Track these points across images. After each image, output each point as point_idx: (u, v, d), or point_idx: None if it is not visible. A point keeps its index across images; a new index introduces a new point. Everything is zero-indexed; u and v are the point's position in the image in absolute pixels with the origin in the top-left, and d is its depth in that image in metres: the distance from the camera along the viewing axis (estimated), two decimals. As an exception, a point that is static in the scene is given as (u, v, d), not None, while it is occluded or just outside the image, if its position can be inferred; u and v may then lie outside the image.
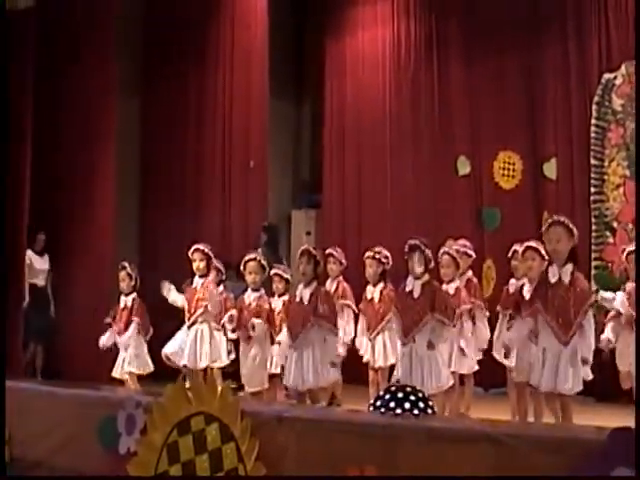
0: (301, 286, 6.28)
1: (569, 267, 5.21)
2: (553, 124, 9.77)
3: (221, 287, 7.94)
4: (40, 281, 9.10)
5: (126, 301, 7.55)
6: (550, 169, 9.72)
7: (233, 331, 6.99)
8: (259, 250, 8.81)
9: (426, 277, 5.97)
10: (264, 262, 6.90)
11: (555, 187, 9.68)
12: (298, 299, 6.25)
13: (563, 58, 9.71)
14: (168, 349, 7.40)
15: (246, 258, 6.90)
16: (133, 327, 7.40)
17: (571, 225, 5.28)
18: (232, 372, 7.25)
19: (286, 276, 7.11)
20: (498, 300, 6.97)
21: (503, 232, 9.55)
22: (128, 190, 11.10)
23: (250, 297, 6.85)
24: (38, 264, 9.14)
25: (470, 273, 7.36)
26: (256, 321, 6.66)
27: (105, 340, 7.57)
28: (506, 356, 6.10)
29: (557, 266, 5.24)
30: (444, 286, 6.79)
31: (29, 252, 8.98)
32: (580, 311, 5.12)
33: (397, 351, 6.58)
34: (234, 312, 6.92)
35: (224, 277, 8.10)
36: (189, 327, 7.42)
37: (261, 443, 3.92)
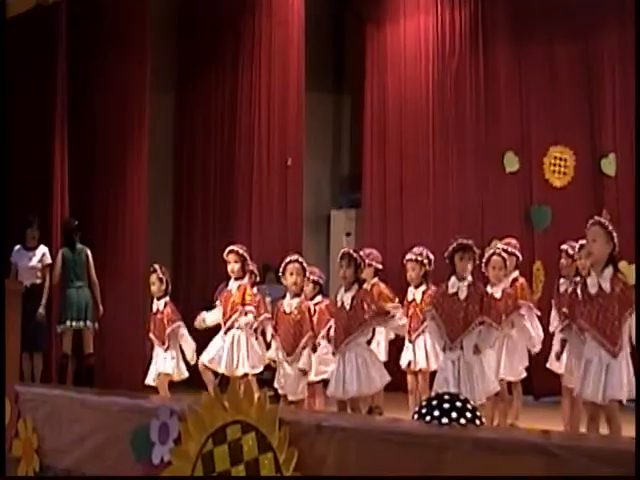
0: (342, 290, 6.31)
1: (608, 272, 5.18)
2: (611, 117, 9.67)
3: (255, 289, 8.01)
4: (27, 280, 8.70)
5: (158, 305, 7.62)
6: (608, 165, 9.64)
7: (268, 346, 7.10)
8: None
9: (470, 278, 6.00)
10: (305, 264, 6.94)
11: (614, 184, 9.59)
12: (339, 304, 6.29)
13: (620, 45, 9.62)
14: (205, 357, 7.45)
15: (287, 260, 6.92)
16: (176, 329, 7.48)
17: (610, 227, 5.25)
18: (269, 379, 7.30)
19: (312, 277, 7.16)
20: (547, 303, 6.97)
21: (554, 232, 9.50)
22: (162, 189, 11.26)
23: (292, 304, 6.86)
24: (25, 262, 8.89)
25: (516, 273, 7.36)
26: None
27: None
28: (557, 358, 6.10)
29: (595, 274, 5.22)
30: (489, 288, 6.81)
31: (15, 249, 8.90)
32: (623, 316, 5.10)
33: (438, 356, 6.62)
34: (271, 330, 6.95)
35: (258, 279, 8.16)
36: (225, 332, 7.48)
37: (300, 453, 3.95)
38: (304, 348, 6.71)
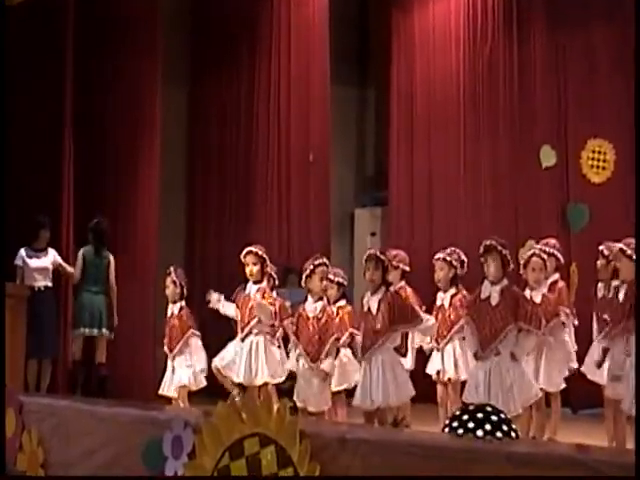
0: (368, 294, 6.34)
1: None
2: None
3: (274, 293, 8.04)
4: (38, 282, 8.89)
5: (173, 309, 7.68)
6: (653, 160, 9.57)
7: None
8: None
9: (504, 282, 5.97)
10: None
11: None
12: (365, 308, 6.31)
13: (664, 31, 9.57)
14: (219, 362, 7.47)
15: (316, 262, 6.96)
16: (189, 338, 7.51)
17: None
18: (290, 389, 7.32)
19: (337, 279, 7.18)
20: (582, 307, 6.96)
21: (591, 232, 9.45)
22: (174, 188, 11.32)
23: (316, 308, 6.89)
24: (34, 263, 8.95)
25: (557, 276, 7.35)
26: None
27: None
28: (598, 366, 6.08)
29: None
30: (529, 292, 6.80)
31: (22, 251, 8.96)
32: None
33: (468, 364, 6.62)
34: (295, 340, 6.97)
35: (277, 283, 8.18)
36: (242, 339, 7.50)
37: (322, 468, 3.96)
38: (328, 355, 6.74)
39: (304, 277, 6.96)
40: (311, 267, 6.90)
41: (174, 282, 7.70)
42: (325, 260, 7.01)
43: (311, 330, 6.78)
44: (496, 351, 5.85)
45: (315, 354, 6.74)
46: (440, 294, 7.48)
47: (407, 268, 8.01)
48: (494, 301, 5.92)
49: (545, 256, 7.05)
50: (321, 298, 6.91)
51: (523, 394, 5.89)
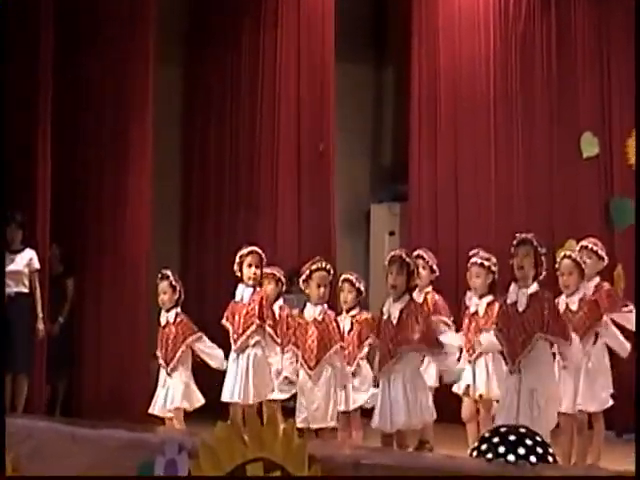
0: (390, 300, 6.36)
1: None
2: None
3: (280, 301, 8.06)
4: (10, 288, 8.82)
5: (167, 317, 7.65)
6: None
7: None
8: None
9: (535, 286, 5.98)
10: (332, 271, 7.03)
11: None
12: (385, 317, 6.32)
13: None
14: (227, 396, 7.49)
15: (313, 267, 6.96)
16: (194, 343, 7.51)
17: None
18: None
19: (359, 286, 7.18)
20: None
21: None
22: (168, 181, 11.32)
23: (316, 312, 6.91)
24: (7, 266, 8.85)
25: (598, 279, 7.35)
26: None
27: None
28: None
29: None
30: (564, 299, 6.79)
31: None
32: None
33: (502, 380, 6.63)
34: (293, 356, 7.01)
35: (284, 289, 8.21)
36: (237, 352, 7.50)
37: (334, 496, 3.97)
38: (331, 364, 6.76)
39: (301, 281, 6.97)
40: (308, 272, 6.92)
41: (173, 287, 7.64)
42: (325, 264, 6.97)
43: (311, 335, 6.80)
44: (519, 366, 5.86)
45: (314, 361, 6.75)
46: (475, 299, 7.50)
47: (436, 270, 8.05)
48: (521, 307, 5.93)
49: (578, 259, 7.05)
50: (320, 303, 6.94)
51: (547, 420, 5.89)
